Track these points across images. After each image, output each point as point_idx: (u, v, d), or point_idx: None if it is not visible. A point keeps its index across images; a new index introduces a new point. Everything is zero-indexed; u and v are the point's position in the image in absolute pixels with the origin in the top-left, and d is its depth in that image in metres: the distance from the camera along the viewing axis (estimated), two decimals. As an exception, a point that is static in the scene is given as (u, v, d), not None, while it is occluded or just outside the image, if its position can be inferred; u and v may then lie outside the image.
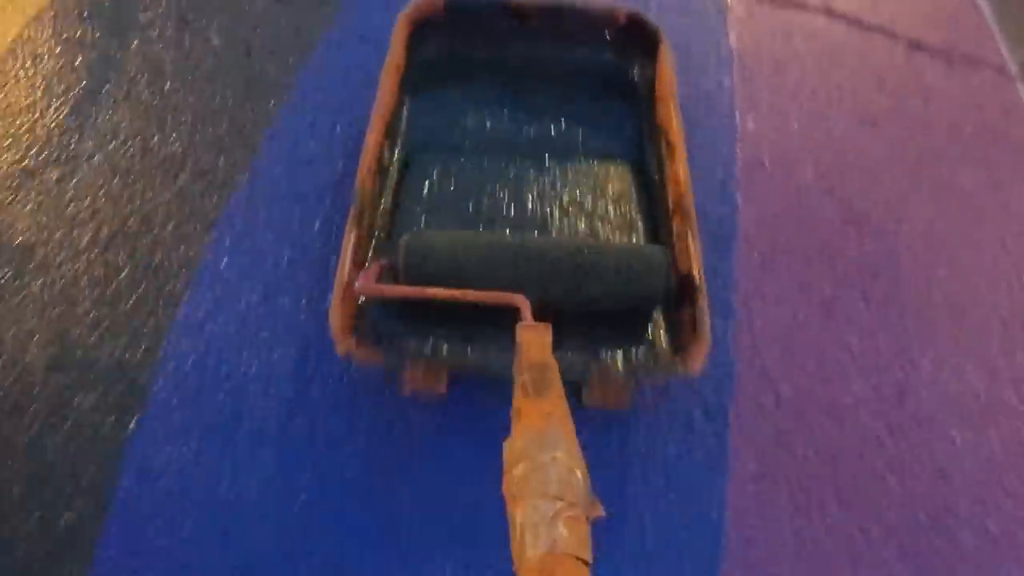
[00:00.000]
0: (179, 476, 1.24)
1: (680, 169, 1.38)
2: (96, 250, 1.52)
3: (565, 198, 1.44)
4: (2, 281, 1.48)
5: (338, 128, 1.69)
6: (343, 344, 1.14)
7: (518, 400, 0.75)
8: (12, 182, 1.63)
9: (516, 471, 0.66)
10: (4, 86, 1.83)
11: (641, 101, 1.61)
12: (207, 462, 1.25)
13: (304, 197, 1.58)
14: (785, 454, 1.33)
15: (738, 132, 1.75)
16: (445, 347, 1.20)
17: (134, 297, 1.45)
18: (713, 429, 1.33)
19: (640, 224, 1.42)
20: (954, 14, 2.29)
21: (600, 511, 0.65)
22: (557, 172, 1.47)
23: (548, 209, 1.41)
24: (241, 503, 1.21)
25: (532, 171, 1.47)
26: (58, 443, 1.28)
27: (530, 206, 1.42)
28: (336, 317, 1.15)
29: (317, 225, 1.54)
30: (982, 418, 1.43)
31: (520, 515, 0.62)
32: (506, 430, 0.76)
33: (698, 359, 1.16)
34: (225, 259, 1.49)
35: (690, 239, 1.29)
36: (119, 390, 1.33)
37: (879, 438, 1.38)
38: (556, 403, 0.73)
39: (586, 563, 0.59)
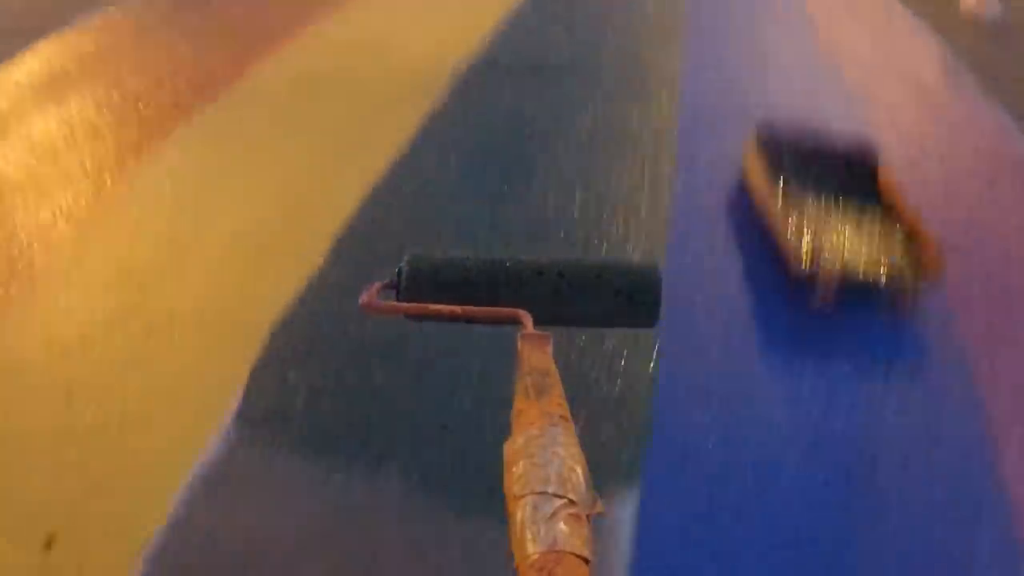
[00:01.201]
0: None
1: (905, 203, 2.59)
2: None
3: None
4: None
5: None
6: None
7: (519, 403, 0.78)
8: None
9: (516, 469, 0.69)
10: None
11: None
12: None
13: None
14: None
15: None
16: None
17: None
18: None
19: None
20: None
21: (601, 508, 0.67)
22: None
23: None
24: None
25: None
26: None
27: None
28: None
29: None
30: None
31: (520, 513, 0.63)
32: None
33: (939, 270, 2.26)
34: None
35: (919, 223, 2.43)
36: None
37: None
38: (557, 404, 0.77)
39: (586, 561, 0.60)
